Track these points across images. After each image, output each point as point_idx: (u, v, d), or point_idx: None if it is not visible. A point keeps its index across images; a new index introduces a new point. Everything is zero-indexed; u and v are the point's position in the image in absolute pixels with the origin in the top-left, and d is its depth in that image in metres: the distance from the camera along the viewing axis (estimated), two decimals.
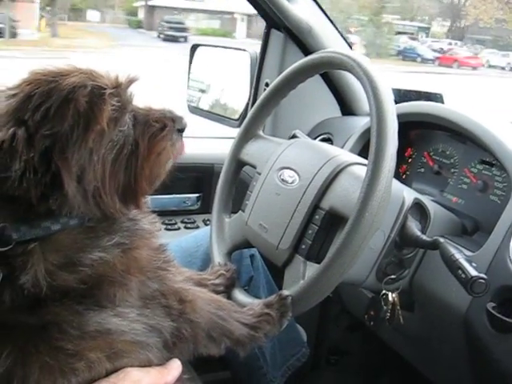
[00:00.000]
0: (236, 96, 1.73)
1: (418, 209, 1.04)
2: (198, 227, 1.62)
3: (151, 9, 27.71)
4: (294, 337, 1.37)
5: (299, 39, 1.55)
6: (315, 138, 1.51)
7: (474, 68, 21.41)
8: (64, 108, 0.65)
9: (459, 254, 0.91)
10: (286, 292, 0.89)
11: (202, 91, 1.80)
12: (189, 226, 1.62)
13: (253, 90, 1.65)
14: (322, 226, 0.93)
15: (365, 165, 0.88)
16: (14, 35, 16.27)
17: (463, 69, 20.63)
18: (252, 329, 0.86)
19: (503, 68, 21.83)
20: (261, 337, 0.87)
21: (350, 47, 1.72)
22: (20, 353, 0.64)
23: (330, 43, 1.54)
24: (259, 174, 1.09)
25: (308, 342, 1.42)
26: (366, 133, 1.29)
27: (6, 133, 0.63)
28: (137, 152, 0.73)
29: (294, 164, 1.03)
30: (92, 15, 26.43)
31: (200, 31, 26.19)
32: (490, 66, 22.28)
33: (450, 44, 25.80)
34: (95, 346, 0.67)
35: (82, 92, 0.67)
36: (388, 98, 0.87)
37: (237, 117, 1.69)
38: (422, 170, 1.31)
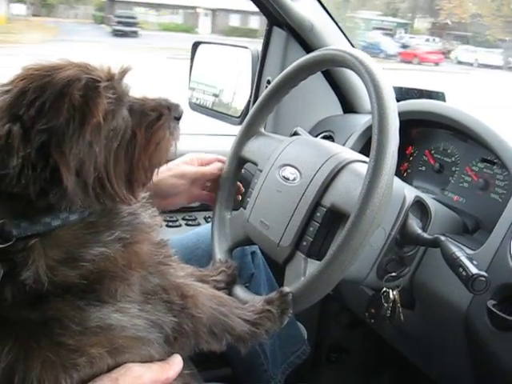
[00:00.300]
0: (237, 93, 1.73)
1: (419, 207, 1.03)
2: (199, 224, 1.62)
3: (111, 3, 26.42)
4: (294, 334, 1.37)
5: (301, 37, 1.55)
6: (317, 136, 1.51)
7: (436, 64, 20.88)
8: (59, 102, 0.64)
9: (460, 252, 0.91)
10: (286, 289, 0.89)
11: (203, 91, 1.80)
12: (190, 223, 1.62)
13: (254, 88, 1.65)
14: (323, 223, 0.93)
15: (366, 162, 0.87)
16: None
17: (425, 65, 19.97)
18: (253, 325, 0.86)
19: (471, 64, 21.21)
20: (262, 333, 0.87)
21: (352, 45, 1.72)
22: (22, 348, 0.64)
23: (332, 41, 1.54)
24: (260, 171, 1.09)
25: (308, 340, 1.42)
26: (368, 130, 1.29)
27: (1, 129, 0.62)
28: (134, 142, 0.73)
29: (296, 161, 1.03)
30: (17, 8, 24.04)
31: (162, 26, 25.46)
32: (459, 62, 21.75)
33: (428, 40, 25.20)
34: (97, 342, 0.67)
35: (77, 85, 0.66)
36: (390, 96, 0.87)
37: (238, 114, 1.68)
38: (423, 168, 1.31)
